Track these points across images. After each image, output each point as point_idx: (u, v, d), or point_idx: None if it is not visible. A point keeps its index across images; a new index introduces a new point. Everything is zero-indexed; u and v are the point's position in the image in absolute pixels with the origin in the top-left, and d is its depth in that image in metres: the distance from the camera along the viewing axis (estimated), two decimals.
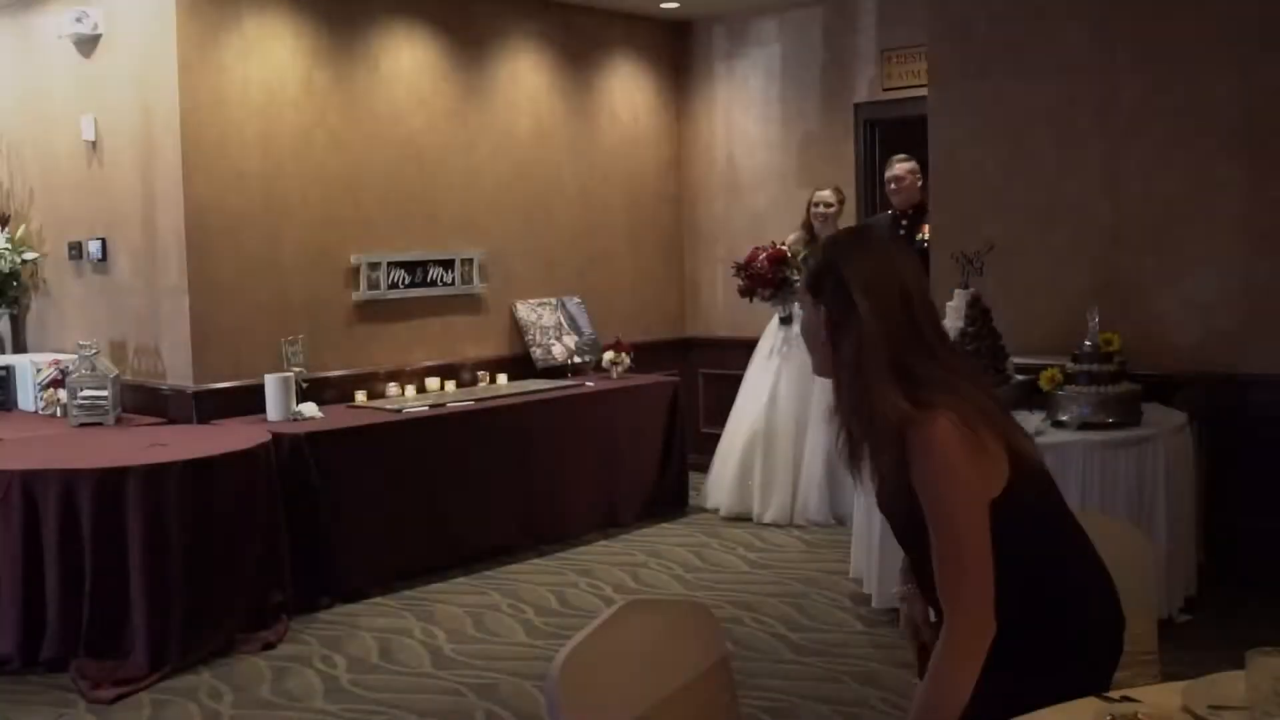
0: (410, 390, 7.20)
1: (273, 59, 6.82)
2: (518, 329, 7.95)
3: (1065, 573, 2.48)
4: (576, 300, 8.26)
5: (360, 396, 7.00)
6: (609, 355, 7.90)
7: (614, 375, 7.80)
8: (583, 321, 8.19)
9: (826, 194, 7.74)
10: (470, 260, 7.70)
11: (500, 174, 7.97)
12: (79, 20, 6.92)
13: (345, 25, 7.13)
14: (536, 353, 7.85)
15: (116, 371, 6.70)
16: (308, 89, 6.96)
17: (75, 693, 4.97)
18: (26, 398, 7.16)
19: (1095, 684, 2.38)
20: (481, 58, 7.84)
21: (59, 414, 6.75)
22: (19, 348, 7.86)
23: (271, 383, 6.39)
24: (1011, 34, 6.59)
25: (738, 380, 7.96)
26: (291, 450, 5.99)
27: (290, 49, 6.89)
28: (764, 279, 7.64)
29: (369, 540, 6.24)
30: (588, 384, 7.58)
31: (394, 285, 7.30)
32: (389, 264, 7.28)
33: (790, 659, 5.25)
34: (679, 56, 9.15)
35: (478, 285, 7.75)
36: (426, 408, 6.76)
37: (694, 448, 8.24)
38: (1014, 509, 2.38)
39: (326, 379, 6.95)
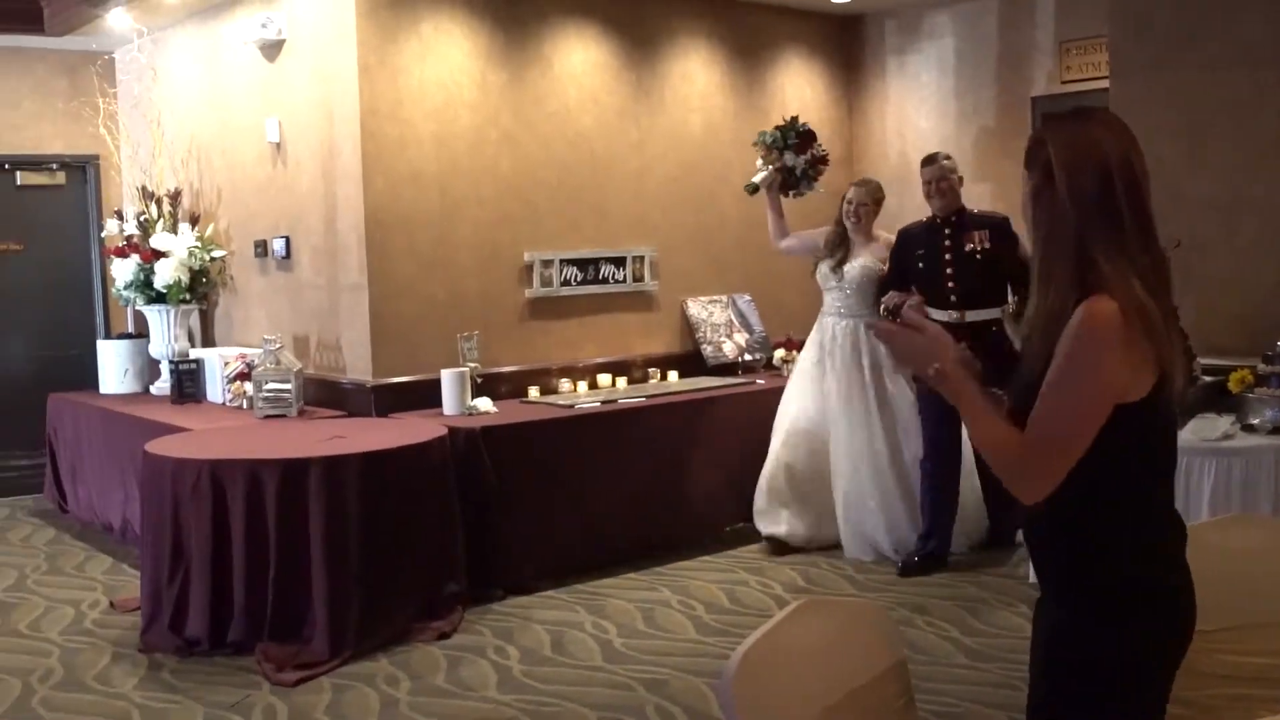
0: (582, 386, 7.26)
1: (448, 61, 6.95)
2: (688, 326, 7.96)
3: (1152, 521, 2.36)
4: (747, 298, 8.24)
5: (533, 392, 7.09)
6: (780, 353, 7.86)
7: (785, 373, 7.75)
8: (753, 319, 8.16)
9: (860, 191, 6.83)
10: (641, 257, 7.74)
11: (670, 171, 7.99)
12: (264, 26, 7.15)
13: (518, 26, 7.23)
14: (707, 350, 7.85)
15: (299, 365, 6.91)
16: (482, 89, 7.07)
17: (260, 675, 5.14)
18: (215, 390, 7.44)
19: (1162, 649, 2.32)
20: (652, 56, 7.88)
21: (245, 406, 7.00)
22: (208, 342, 8.18)
23: (447, 377, 6.51)
24: (1193, 24, 6.36)
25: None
26: (466, 444, 6.10)
27: (465, 51, 7.02)
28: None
29: (541, 534, 6.32)
30: (759, 382, 7.55)
31: (566, 282, 7.38)
32: (561, 261, 7.36)
33: (964, 664, 5.15)
34: (850, 51, 9.05)
35: (649, 282, 7.78)
36: (598, 403, 6.82)
37: None
38: (1139, 425, 2.29)
39: (500, 374, 7.05)
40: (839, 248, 6.83)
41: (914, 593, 6.07)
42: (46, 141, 9.09)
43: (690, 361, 7.83)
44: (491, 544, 6.11)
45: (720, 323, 8.00)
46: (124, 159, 8.90)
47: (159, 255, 7.77)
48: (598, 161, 7.59)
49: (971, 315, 6.26)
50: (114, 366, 8.26)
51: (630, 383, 7.49)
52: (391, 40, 6.74)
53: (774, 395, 7.38)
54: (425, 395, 6.65)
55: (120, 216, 8.35)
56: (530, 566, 6.26)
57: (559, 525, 6.39)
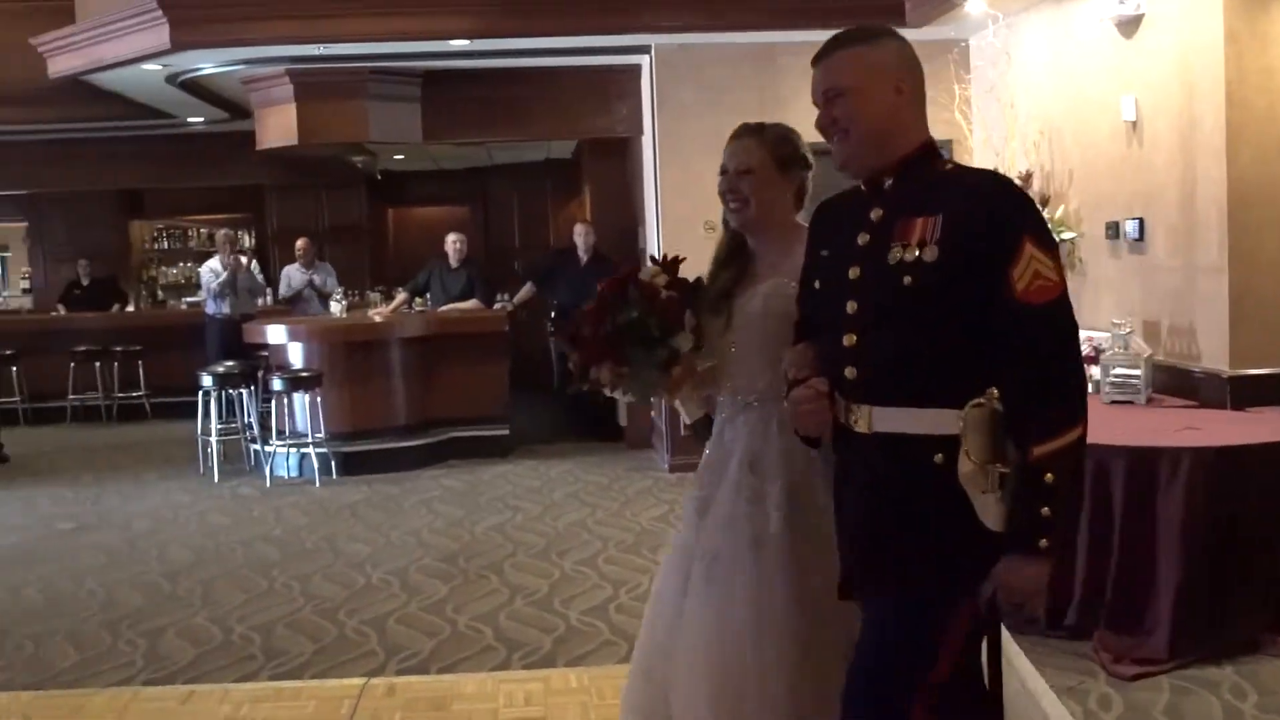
0: None
1: None
2: None
3: None
4: None
5: None
6: None
7: None
8: None
9: (741, 145, 3.41)
10: None
11: None
12: (1121, 2, 7.01)
13: None
14: None
15: (1149, 351, 6.70)
16: None
17: (1095, 663, 5.07)
18: None
19: None
20: None
21: (1092, 390, 6.90)
22: None
23: None
24: None
25: None
26: None
27: None
28: (593, 343, 3.39)
29: None
30: None
31: None
32: None
33: None
34: None
35: None
36: None
37: None
38: None
39: None
40: (726, 269, 3.46)
41: None
42: None
43: None
44: None
45: None
46: (976, 142, 9.15)
47: None
48: None
49: (883, 422, 2.71)
50: None
51: None
52: (1261, 6, 6.27)
53: None
54: None
55: None
56: None
57: None
